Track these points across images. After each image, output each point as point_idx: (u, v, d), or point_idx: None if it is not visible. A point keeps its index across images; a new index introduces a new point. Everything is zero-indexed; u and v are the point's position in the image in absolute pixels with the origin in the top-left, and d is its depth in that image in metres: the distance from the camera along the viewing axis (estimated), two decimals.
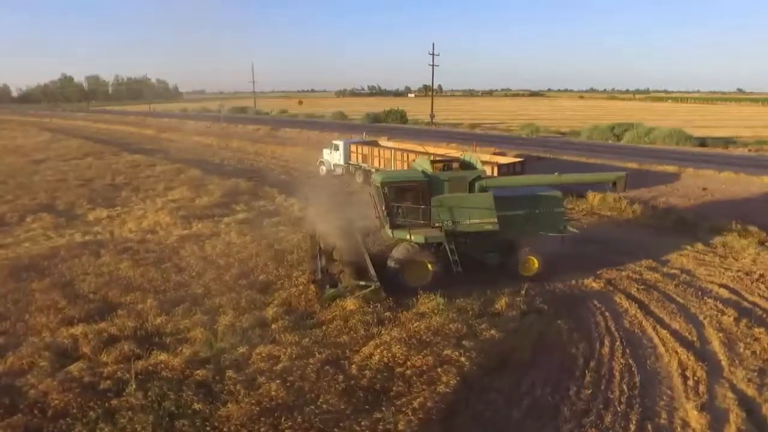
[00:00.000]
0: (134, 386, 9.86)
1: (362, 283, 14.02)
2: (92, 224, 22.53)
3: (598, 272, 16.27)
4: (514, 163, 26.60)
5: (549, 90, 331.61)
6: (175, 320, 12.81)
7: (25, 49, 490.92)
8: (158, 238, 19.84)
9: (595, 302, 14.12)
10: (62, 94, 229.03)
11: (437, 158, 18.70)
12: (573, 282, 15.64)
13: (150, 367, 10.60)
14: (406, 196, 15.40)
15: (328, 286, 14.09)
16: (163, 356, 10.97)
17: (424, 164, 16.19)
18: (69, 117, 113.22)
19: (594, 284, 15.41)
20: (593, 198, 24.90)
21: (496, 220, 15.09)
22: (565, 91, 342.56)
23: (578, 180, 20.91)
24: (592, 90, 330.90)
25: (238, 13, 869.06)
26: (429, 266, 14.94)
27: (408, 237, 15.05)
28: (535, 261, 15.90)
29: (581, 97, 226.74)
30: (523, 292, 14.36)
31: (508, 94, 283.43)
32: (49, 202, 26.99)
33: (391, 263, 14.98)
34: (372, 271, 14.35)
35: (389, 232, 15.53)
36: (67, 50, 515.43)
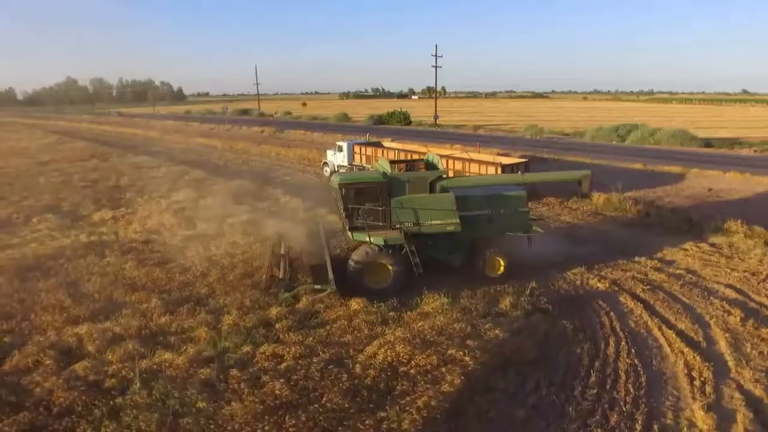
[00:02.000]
0: (139, 385, 9.89)
1: (317, 286, 13.94)
2: (97, 225, 22.59)
3: (602, 272, 16.21)
4: (517, 164, 26.54)
5: (553, 92, 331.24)
6: (179, 320, 12.84)
7: (30, 52, 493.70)
8: (163, 239, 19.87)
9: (600, 302, 14.06)
10: (67, 97, 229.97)
11: (400, 159, 18.62)
12: (578, 282, 15.58)
13: (154, 366, 10.63)
14: (365, 197, 15.06)
15: (282, 290, 14.01)
16: (167, 355, 10.99)
17: (384, 165, 16.08)
18: (74, 119, 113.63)
19: (599, 284, 15.34)
20: (598, 198, 24.81)
21: (458, 220, 14.95)
22: (569, 92, 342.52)
23: (542, 179, 20.86)
24: (596, 92, 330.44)
25: (240, 15, 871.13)
26: (389, 268, 14.77)
27: (367, 239, 14.93)
28: (501, 261, 15.74)
29: (585, 99, 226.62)
30: (527, 292, 14.31)
31: (512, 95, 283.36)
32: (55, 203, 27.10)
33: (351, 265, 14.81)
34: (330, 274, 14.12)
35: (349, 234, 15.43)
36: (72, 53, 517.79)
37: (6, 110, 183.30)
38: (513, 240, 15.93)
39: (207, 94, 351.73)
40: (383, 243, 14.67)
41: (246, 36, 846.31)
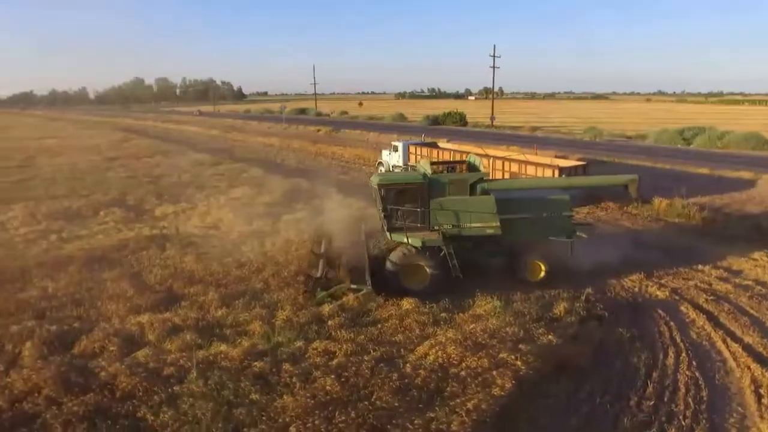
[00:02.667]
0: (195, 374, 10.22)
1: (354, 286, 13.94)
2: (159, 219, 23.49)
3: (662, 280, 15.65)
4: (575, 167, 25.92)
5: (614, 93, 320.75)
6: (234, 313, 13.19)
7: (102, 53, 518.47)
8: (220, 234, 20.47)
9: (660, 311, 13.58)
10: (134, 96, 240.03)
11: (441, 160, 18.30)
12: (636, 289, 15.11)
13: (210, 357, 10.95)
14: (404, 198, 14.96)
15: (319, 289, 14.07)
16: (222, 347, 11.32)
17: (425, 166, 15.88)
18: (139, 117, 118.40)
19: (658, 293, 14.81)
20: (659, 203, 23.94)
21: (498, 223, 14.67)
22: (631, 94, 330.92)
23: (588, 183, 20.15)
24: (660, 93, 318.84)
25: (300, 16, 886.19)
26: (427, 270, 14.65)
27: (405, 240, 14.83)
28: (542, 266, 15.42)
29: (648, 100, 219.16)
30: (582, 297, 14.00)
31: (571, 96, 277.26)
32: (121, 197, 28.33)
33: (389, 266, 14.75)
34: (367, 275, 14.08)
35: (387, 234, 15.35)
36: (140, 54, 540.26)
37: (78, 108, 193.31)
38: (556, 245, 15.54)
39: (265, 94, 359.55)
40: (421, 244, 14.60)
41: (304, 36, 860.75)
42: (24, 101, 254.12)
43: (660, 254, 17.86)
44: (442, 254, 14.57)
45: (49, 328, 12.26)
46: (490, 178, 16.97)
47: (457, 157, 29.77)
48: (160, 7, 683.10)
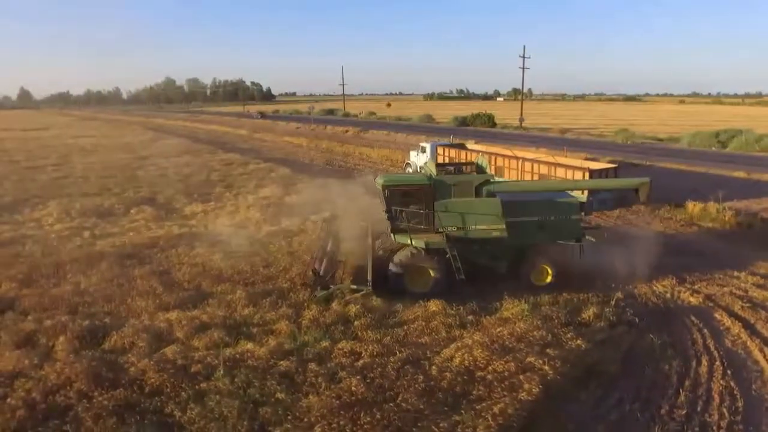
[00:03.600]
0: (222, 372, 10.30)
1: (354, 287, 13.89)
2: (188, 218, 23.83)
3: (695, 286, 15.28)
4: (606, 170, 25.49)
5: (646, 94, 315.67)
6: (261, 312, 13.27)
7: (134, 53, 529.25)
8: (248, 233, 20.64)
9: (692, 318, 13.25)
10: (165, 96, 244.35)
11: (448, 162, 18.14)
12: (668, 295, 14.78)
13: (237, 355, 11.02)
14: (409, 199, 14.87)
15: (319, 288, 14.07)
16: (249, 345, 11.39)
17: (431, 167, 15.71)
18: (170, 117, 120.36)
19: (691, 299, 14.46)
20: (693, 207, 23.39)
21: (504, 226, 14.45)
22: (665, 95, 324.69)
23: (597, 185, 19.62)
24: (695, 94, 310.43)
25: (327, 17, 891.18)
26: (431, 272, 14.52)
27: (409, 242, 14.69)
28: (549, 270, 15.16)
29: (682, 102, 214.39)
30: (612, 302, 13.75)
31: (601, 98, 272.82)
32: (151, 195, 28.83)
33: (392, 268, 14.66)
34: (369, 276, 13.99)
35: (391, 235, 15.23)
36: (171, 55, 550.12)
37: (112, 108, 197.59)
38: (564, 248, 15.32)
39: (294, 94, 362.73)
40: (424, 246, 14.49)
41: (333, 37, 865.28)
42: (61, 101, 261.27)
43: (693, 259, 17.47)
44: (447, 257, 14.43)
45: (81, 323, 12.51)
46: (497, 179, 16.72)
47: (486, 159, 29.62)
48: (191, 9, 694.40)
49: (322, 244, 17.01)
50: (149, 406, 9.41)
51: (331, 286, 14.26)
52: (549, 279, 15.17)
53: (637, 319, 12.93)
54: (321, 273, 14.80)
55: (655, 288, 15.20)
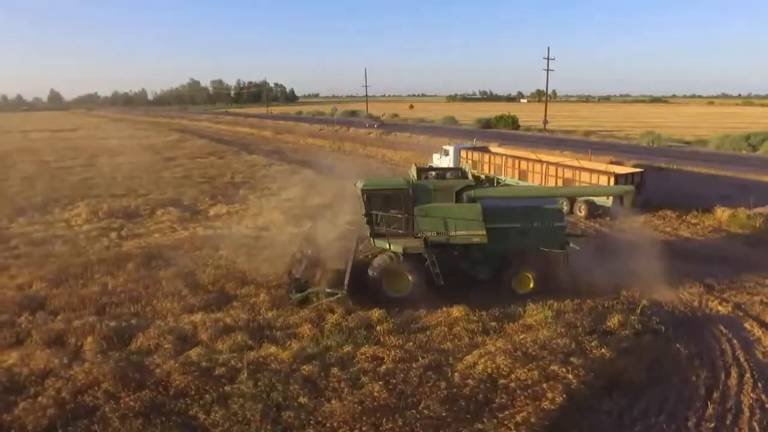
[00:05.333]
0: (246, 375, 10.40)
1: (329, 290, 13.85)
2: (213, 219, 24.11)
3: (724, 295, 14.99)
4: (632, 174, 25.12)
5: (673, 96, 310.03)
6: (284, 315, 13.38)
7: (160, 55, 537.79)
8: (272, 235, 20.79)
9: (721, 327, 13.00)
10: (190, 97, 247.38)
11: (432, 167, 18.08)
12: (695, 303, 14.53)
13: (260, 359, 11.12)
14: (388, 203, 14.76)
15: (294, 290, 14.11)
16: (272, 349, 11.50)
17: (413, 172, 15.64)
18: (195, 119, 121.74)
19: (720, 307, 14.19)
20: (721, 213, 22.94)
21: (484, 232, 14.30)
22: (692, 96, 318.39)
23: (582, 192, 19.21)
24: (724, 95, 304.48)
25: (353, 19, 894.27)
26: (409, 277, 14.42)
27: (387, 246, 14.60)
28: (531, 277, 14.99)
29: (711, 103, 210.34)
30: (637, 310, 13.54)
31: (627, 99, 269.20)
32: (176, 197, 29.22)
33: (371, 272, 14.58)
34: (346, 280, 13.90)
35: (371, 240, 15.15)
36: (196, 56, 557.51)
37: (138, 109, 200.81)
38: (548, 256, 15.12)
39: (317, 96, 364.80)
40: (402, 251, 14.43)
41: (355, 39, 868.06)
42: (89, 102, 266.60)
43: (721, 267, 17.13)
44: (426, 263, 14.31)
45: (108, 323, 12.74)
46: (481, 185, 16.61)
47: (509, 163, 29.45)
48: (216, 11, 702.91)
49: (302, 247, 17.03)
50: (174, 408, 9.57)
51: (308, 289, 14.31)
52: (531, 286, 15.04)
53: (663, 328, 12.72)
54: (297, 276, 14.92)
55: (681, 296, 14.95)
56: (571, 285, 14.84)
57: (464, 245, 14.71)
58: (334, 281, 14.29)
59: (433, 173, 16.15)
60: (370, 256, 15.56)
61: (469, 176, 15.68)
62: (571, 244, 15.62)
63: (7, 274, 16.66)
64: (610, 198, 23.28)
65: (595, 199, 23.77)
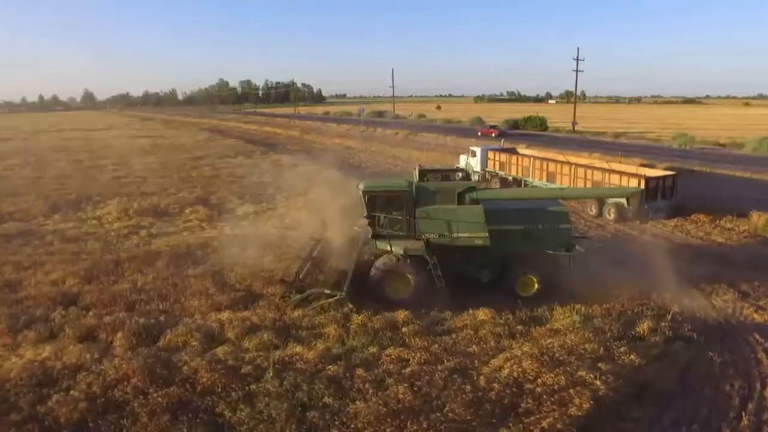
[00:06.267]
0: (271, 374, 10.48)
1: (328, 291, 13.85)
2: (240, 218, 24.36)
3: (760, 302, 14.57)
4: (664, 177, 24.62)
5: (707, 97, 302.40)
6: (310, 315, 13.43)
7: (190, 56, 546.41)
8: (298, 235, 20.89)
9: (756, 336, 12.63)
10: (219, 97, 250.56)
11: (435, 168, 17.96)
12: (729, 311, 14.15)
13: (286, 358, 11.20)
14: (389, 205, 14.72)
15: (294, 291, 14.14)
16: (298, 348, 11.56)
17: (415, 173, 15.59)
18: (224, 118, 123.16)
19: (755, 315, 13.80)
20: (758, 218, 22.31)
21: (486, 234, 14.12)
22: (727, 97, 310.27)
23: (585, 194, 18.75)
24: (761, 96, 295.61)
25: (379, 19, 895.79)
26: (410, 279, 14.31)
27: (388, 248, 14.51)
28: (534, 280, 14.78)
29: (747, 104, 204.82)
30: (668, 316, 13.22)
31: (658, 101, 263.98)
32: (205, 196, 29.63)
33: (373, 274, 14.51)
34: (346, 281, 13.94)
35: (373, 241, 15.05)
36: (225, 57, 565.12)
37: (168, 109, 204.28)
38: (553, 258, 14.90)
39: (344, 96, 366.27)
40: (403, 253, 14.34)
41: (382, 39, 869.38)
42: (121, 102, 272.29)
43: (757, 273, 16.64)
44: (428, 267, 14.21)
45: (138, 320, 12.96)
46: (484, 187, 16.46)
47: (537, 164, 29.14)
48: (245, 12, 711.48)
49: (311, 248, 17.09)
50: (201, 405, 9.68)
51: (308, 290, 14.34)
52: (534, 289, 14.86)
53: (695, 335, 12.41)
54: (300, 276, 15.01)
55: (715, 302, 14.60)
56: (598, 289, 14.54)
57: (466, 247, 14.61)
58: (336, 282, 14.41)
59: (438, 175, 16.13)
60: (375, 258, 15.58)
61: (472, 178, 15.56)
62: (577, 247, 15.37)
63: (42, 270, 17.08)
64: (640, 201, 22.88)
65: (625, 202, 23.36)
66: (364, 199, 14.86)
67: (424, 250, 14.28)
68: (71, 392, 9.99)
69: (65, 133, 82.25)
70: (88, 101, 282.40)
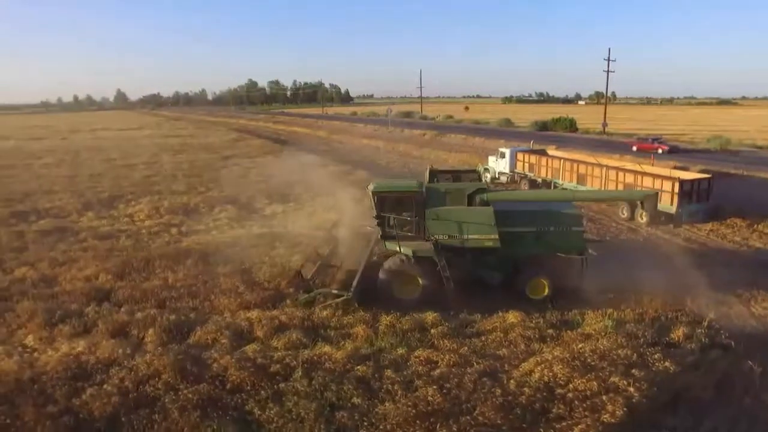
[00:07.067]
0: (300, 373, 10.49)
1: (335, 291, 13.88)
2: (269, 218, 24.56)
3: None
4: (698, 180, 24.04)
5: (743, 97, 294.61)
6: (338, 315, 13.44)
7: (219, 57, 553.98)
8: (325, 235, 20.90)
9: None
10: (247, 98, 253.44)
11: (446, 169, 17.77)
12: None
13: (315, 357, 11.21)
14: (399, 206, 14.63)
15: (302, 291, 14.17)
16: (327, 348, 11.57)
17: (426, 175, 15.46)
18: (252, 118, 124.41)
19: None
20: None
21: (497, 236, 13.93)
22: (764, 98, 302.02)
23: (599, 196, 18.27)
24: None
25: (408, 20, 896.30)
26: (419, 280, 14.19)
27: (398, 249, 14.40)
28: (545, 283, 14.51)
29: None
30: (704, 323, 12.88)
31: (692, 102, 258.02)
32: (234, 195, 29.87)
33: (381, 274, 14.43)
34: (354, 281, 13.90)
35: (382, 242, 14.95)
36: (254, 58, 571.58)
37: (198, 109, 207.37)
38: (564, 261, 14.62)
39: (371, 96, 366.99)
40: (412, 254, 14.23)
41: (410, 40, 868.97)
42: (153, 102, 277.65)
43: None
44: (437, 268, 14.10)
45: (168, 317, 13.16)
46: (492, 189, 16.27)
47: (567, 166, 28.74)
48: (273, 14, 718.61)
49: (317, 250, 17.12)
50: (230, 403, 9.75)
51: (315, 290, 14.41)
52: (545, 293, 14.64)
53: (732, 343, 12.03)
54: (308, 277, 15.09)
55: (753, 309, 14.19)
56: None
57: (476, 249, 14.48)
58: (344, 283, 14.46)
59: (449, 176, 16.04)
60: (384, 258, 15.57)
61: (483, 179, 15.44)
62: (590, 250, 15.12)
63: (77, 265, 17.45)
64: (675, 203, 22.40)
65: (658, 205, 22.93)
66: (374, 200, 14.89)
67: (433, 252, 14.23)
68: (104, 386, 10.16)
69: (98, 133, 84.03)
70: (121, 101, 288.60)
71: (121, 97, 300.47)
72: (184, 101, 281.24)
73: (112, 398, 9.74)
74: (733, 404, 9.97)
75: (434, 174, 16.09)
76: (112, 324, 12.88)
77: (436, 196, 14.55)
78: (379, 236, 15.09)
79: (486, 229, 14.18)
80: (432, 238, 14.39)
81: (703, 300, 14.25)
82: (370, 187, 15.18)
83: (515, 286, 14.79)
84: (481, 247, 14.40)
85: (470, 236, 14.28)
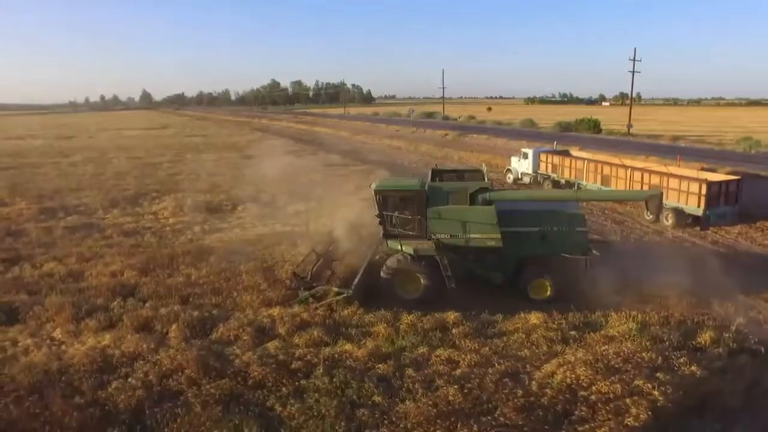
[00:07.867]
0: (321, 371, 10.54)
1: (336, 289, 13.87)
2: (290, 216, 24.66)
3: None
4: (727, 182, 23.55)
5: None
6: (360, 313, 13.47)
7: (242, 58, 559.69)
8: (347, 235, 20.94)
9: None
10: (270, 98, 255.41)
11: (450, 169, 17.60)
12: None
13: (336, 355, 11.26)
14: (401, 205, 14.59)
15: (302, 289, 14.19)
16: (348, 346, 11.61)
17: (429, 174, 15.36)
18: (275, 118, 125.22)
19: None
20: None
21: (499, 235, 13.77)
22: None
23: (602, 196, 17.87)
24: None
25: (429, 20, 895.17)
26: (421, 279, 14.13)
27: (399, 247, 14.34)
28: (548, 284, 14.30)
29: None
30: (732, 327, 12.61)
31: (720, 103, 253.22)
32: (256, 194, 30.08)
33: (383, 273, 14.41)
34: (355, 280, 13.91)
35: (384, 241, 14.88)
36: (277, 58, 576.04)
37: (221, 109, 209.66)
38: (567, 262, 14.39)
39: (393, 97, 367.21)
40: (413, 253, 14.17)
41: (432, 40, 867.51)
42: (177, 102, 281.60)
43: None
44: (440, 265, 14.05)
45: (191, 313, 13.35)
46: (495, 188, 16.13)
47: (591, 167, 28.41)
48: (296, 14, 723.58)
49: (315, 248, 17.11)
50: (252, 398, 9.85)
51: (315, 287, 14.44)
52: (548, 293, 14.49)
53: (762, 349, 11.74)
54: (306, 274, 15.13)
55: None
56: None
57: (478, 248, 14.41)
58: (346, 280, 14.52)
59: (453, 175, 16.00)
60: (386, 257, 15.55)
61: (486, 178, 15.47)
62: (593, 251, 14.87)
63: (103, 261, 17.77)
64: (702, 205, 21.99)
65: (684, 207, 22.54)
66: (377, 198, 14.89)
67: (435, 251, 14.20)
68: (129, 380, 10.36)
69: (124, 132, 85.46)
70: (146, 101, 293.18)
71: (146, 97, 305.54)
72: (207, 101, 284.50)
73: (137, 391, 9.91)
74: (762, 411, 9.75)
75: (437, 173, 16.02)
76: (137, 319, 13.10)
77: (438, 195, 14.57)
78: (382, 235, 15.15)
79: (488, 229, 14.13)
80: (434, 237, 14.39)
81: (731, 304, 13.95)
82: (373, 185, 15.26)
83: (517, 286, 14.73)
84: (484, 247, 14.37)
85: (472, 235, 14.26)
